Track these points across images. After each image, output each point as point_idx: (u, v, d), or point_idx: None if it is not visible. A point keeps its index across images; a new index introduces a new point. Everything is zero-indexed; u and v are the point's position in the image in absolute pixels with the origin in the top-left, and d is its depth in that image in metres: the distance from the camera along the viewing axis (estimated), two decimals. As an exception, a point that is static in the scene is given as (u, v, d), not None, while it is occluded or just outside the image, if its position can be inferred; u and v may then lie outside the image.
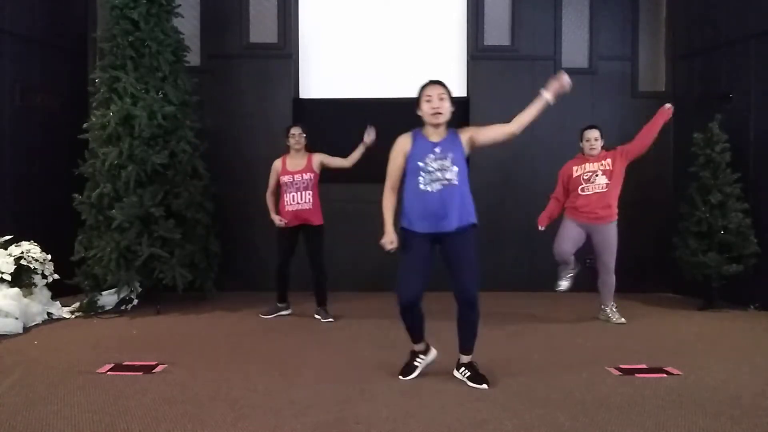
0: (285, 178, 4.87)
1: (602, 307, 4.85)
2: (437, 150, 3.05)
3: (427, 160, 3.03)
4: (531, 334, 4.36)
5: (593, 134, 4.77)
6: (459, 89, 6.54)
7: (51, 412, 2.69)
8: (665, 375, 3.29)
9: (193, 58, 6.10)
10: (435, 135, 3.09)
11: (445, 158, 3.03)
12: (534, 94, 3.08)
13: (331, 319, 4.81)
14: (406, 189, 3.12)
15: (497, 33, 6.36)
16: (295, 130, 4.94)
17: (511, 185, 6.27)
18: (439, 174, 3.02)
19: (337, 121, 6.43)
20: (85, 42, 6.31)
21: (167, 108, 5.18)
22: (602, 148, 4.80)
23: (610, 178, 4.70)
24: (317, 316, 4.88)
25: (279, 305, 5.03)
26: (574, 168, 4.81)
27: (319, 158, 4.96)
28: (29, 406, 2.77)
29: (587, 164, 4.77)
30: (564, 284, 4.84)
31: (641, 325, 4.66)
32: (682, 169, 5.77)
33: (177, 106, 5.32)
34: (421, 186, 3.04)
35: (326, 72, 6.57)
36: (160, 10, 5.34)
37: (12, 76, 5.50)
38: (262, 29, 6.38)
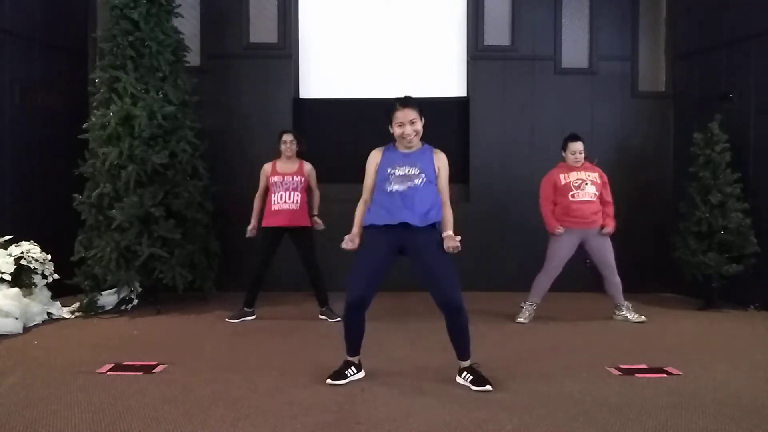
0: (275, 178, 4.84)
1: (618, 305, 4.81)
2: (406, 159, 3.11)
3: (396, 168, 3.09)
4: (531, 334, 4.35)
5: (578, 147, 4.77)
6: (459, 89, 6.56)
7: (51, 412, 2.69)
8: (665, 375, 3.30)
9: (193, 58, 6.10)
10: (406, 149, 3.15)
11: (413, 165, 3.09)
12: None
13: (338, 319, 4.75)
14: (374, 194, 3.16)
15: (497, 33, 6.35)
16: (287, 137, 4.89)
17: (511, 186, 6.23)
18: (404, 178, 3.06)
19: (337, 121, 6.45)
20: (85, 42, 6.31)
21: (167, 108, 5.18)
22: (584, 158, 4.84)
23: (598, 189, 4.76)
24: (323, 317, 4.85)
25: (246, 309, 4.88)
26: (561, 176, 4.78)
27: (309, 168, 4.94)
28: (29, 406, 2.77)
29: (573, 173, 4.77)
30: (522, 319, 4.74)
31: (642, 325, 4.66)
32: (682, 169, 5.76)
33: (177, 106, 5.32)
34: (387, 188, 3.08)
35: (326, 72, 6.57)
36: (160, 10, 5.33)
37: (12, 76, 5.50)
38: (262, 29, 6.37)
